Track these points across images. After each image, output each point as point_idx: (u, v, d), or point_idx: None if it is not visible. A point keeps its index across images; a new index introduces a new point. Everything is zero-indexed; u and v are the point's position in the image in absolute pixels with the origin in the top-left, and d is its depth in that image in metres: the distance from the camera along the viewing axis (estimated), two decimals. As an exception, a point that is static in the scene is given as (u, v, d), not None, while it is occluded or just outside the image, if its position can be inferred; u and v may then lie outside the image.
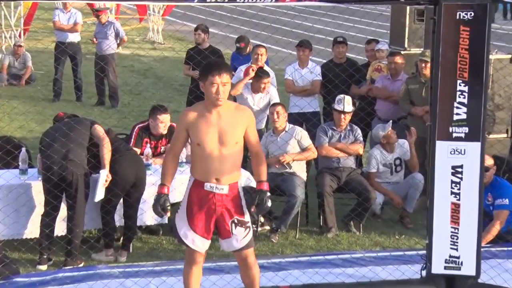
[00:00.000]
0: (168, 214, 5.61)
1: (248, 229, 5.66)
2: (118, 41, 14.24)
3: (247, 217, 5.67)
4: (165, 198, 5.54)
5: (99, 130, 7.43)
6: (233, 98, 10.09)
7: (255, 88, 9.44)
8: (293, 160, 8.41)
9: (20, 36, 18.13)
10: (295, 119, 9.60)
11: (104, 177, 7.27)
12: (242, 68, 9.86)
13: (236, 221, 5.61)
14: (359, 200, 8.36)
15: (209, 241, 5.66)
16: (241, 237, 5.64)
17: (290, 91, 10.07)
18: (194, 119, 5.52)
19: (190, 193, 5.61)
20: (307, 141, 8.52)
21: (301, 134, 8.53)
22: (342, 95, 8.76)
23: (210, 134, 5.49)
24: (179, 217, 5.64)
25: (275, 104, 8.70)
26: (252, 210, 5.66)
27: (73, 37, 14.33)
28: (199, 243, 5.62)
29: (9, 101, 13.43)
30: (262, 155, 5.79)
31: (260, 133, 8.44)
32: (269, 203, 5.61)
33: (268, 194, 5.61)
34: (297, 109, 9.71)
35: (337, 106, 8.64)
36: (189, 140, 5.65)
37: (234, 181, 5.60)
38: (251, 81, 9.50)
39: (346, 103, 8.61)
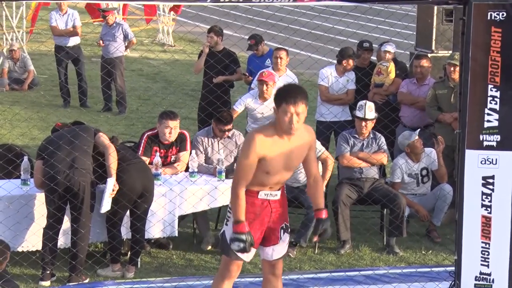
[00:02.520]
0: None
1: (289, 235, 5.82)
2: (126, 43, 14.29)
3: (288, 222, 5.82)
4: (251, 236, 5.52)
5: (104, 138, 7.46)
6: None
7: (260, 93, 9.30)
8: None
9: (17, 38, 18.17)
10: (324, 129, 9.67)
11: (111, 186, 7.29)
12: None
13: (284, 226, 5.73)
14: (391, 210, 8.28)
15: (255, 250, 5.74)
16: (286, 243, 5.77)
17: (324, 100, 9.96)
18: (269, 148, 5.48)
19: None
20: (319, 148, 8.28)
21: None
22: (363, 101, 8.75)
23: (280, 161, 5.53)
24: (229, 229, 5.64)
25: None
26: (315, 239, 6.00)
27: (73, 41, 14.39)
28: (249, 254, 5.66)
29: (11, 106, 13.51)
30: (320, 179, 5.83)
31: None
32: (330, 231, 5.78)
33: (328, 222, 5.72)
34: (330, 118, 9.67)
35: (358, 113, 8.62)
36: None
37: (283, 184, 5.74)
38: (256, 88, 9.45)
39: (367, 110, 8.57)
